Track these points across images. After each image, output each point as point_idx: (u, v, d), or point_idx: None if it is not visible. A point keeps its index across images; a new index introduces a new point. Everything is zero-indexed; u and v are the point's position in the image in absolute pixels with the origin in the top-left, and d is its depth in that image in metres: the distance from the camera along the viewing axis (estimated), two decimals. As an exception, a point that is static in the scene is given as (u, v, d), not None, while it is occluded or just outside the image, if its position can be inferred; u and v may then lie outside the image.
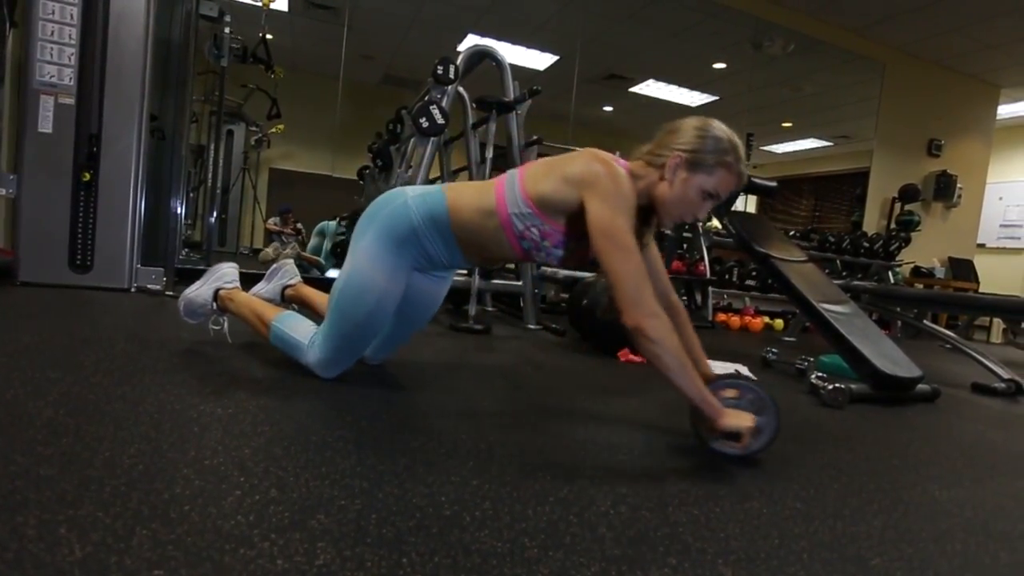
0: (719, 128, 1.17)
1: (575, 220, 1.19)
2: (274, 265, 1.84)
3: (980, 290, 5.97)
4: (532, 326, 2.79)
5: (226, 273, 1.59)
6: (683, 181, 1.17)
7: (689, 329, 1.33)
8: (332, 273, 4.26)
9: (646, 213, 1.26)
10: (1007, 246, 7.30)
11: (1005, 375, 2.43)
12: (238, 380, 1.31)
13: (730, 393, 1.18)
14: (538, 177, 1.22)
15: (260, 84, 4.69)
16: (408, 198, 1.31)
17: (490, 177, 2.89)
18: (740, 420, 1.10)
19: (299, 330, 1.42)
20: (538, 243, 1.24)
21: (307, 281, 1.85)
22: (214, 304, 1.55)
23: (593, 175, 1.14)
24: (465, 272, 3.16)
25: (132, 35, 2.44)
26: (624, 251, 1.10)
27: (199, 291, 1.57)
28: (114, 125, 2.45)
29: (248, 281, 1.87)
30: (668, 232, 4.05)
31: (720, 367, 2.25)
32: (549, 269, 3.20)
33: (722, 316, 4.06)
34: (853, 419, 1.64)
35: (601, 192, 1.13)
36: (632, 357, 2.19)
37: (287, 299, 1.78)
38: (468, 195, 1.29)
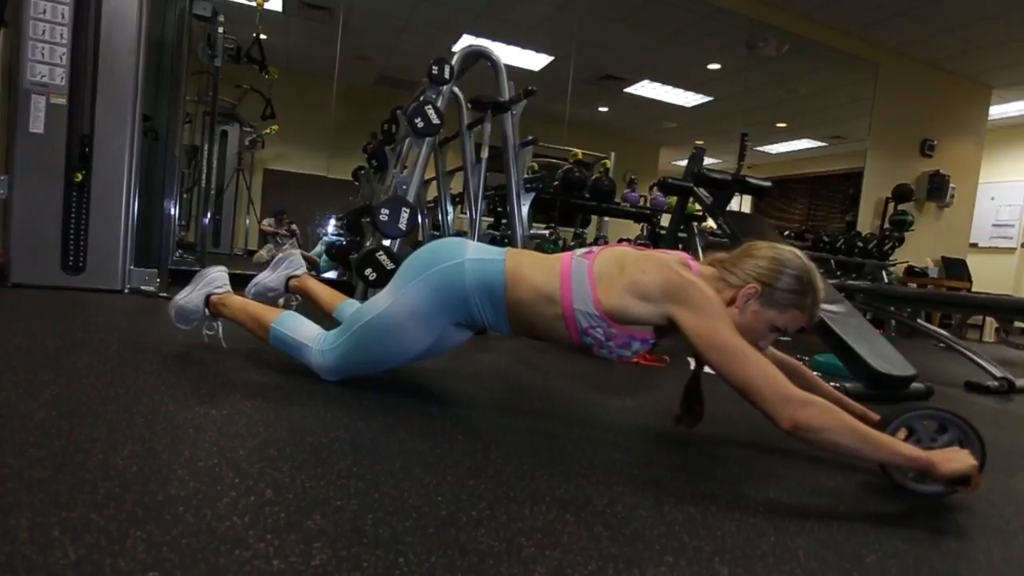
0: (799, 267, 1.12)
1: (659, 328, 1.14)
2: (280, 254, 1.84)
3: (973, 289, 6.01)
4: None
5: (216, 278, 1.56)
6: (754, 313, 1.12)
7: (815, 379, 1.28)
8: (329, 274, 4.25)
9: None
10: (999, 246, 7.36)
11: (998, 373, 2.45)
12: (232, 382, 1.30)
13: (928, 424, 1.07)
14: (611, 284, 1.13)
15: (254, 85, 4.67)
16: (466, 260, 1.23)
17: (485, 177, 2.91)
18: (961, 462, 0.95)
19: (301, 331, 1.39)
20: (602, 342, 1.17)
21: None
22: (206, 310, 1.53)
23: (676, 288, 1.07)
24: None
25: (125, 35, 2.43)
26: (741, 355, 1.01)
27: (189, 297, 1.53)
28: (107, 125, 2.44)
29: (241, 284, 1.86)
30: (662, 232, 4.06)
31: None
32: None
33: (717, 316, 4.07)
34: (848, 418, 1.65)
35: (692, 305, 1.06)
36: (628, 357, 2.19)
37: (291, 289, 1.78)
38: (530, 271, 1.21)
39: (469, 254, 1.24)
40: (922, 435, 1.06)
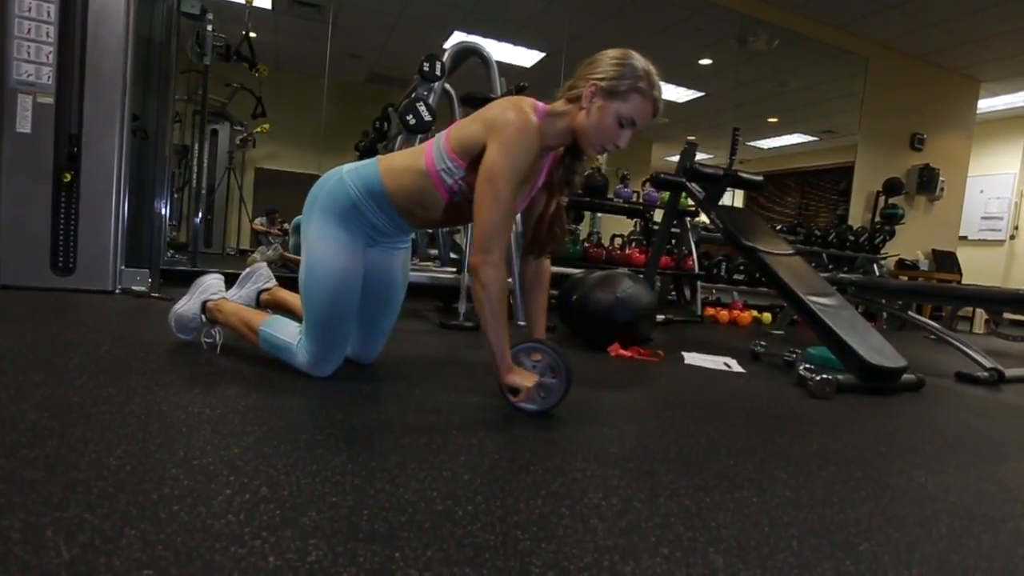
0: (635, 57, 1.22)
1: (478, 164, 1.22)
2: (247, 270, 1.76)
3: (963, 281, 6.07)
4: (522, 323, 2.79)
5: (211, 284, 1.57)
6: (599, 109, 1.21)
7: (541, 295, 1.42)
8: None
9: (576, 151, 1.30)
10: (988, 238, 7.43)
11: (988, 364, 2.47)
12: (226, 380, 1.30)
13: (536, 356, 1.30)
14: (461, 126, 1.26)
15: (244, 83, 4.63)
16: (343, 174, 1.34)
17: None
18: (521, 379, 1.23)
19: (286, 332, 1.42)
20: (468, 195, 1.26)
21: (293, 281, 1.82)
22: (203, 317, 1.54)
23: (502, 121, 1.18)
24: (454, 270, 3.16)
25: (112, 32, 2.40)
26: (496, 199, 1.16)
27: (187, 306, 1.56)
28: (95, 125, 2.41)
29: (234, 283, 1.85)
30: (655, 227, 4.07)
31: (709, 361, 2.27)
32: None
33: (711, 310, 4.09)
34: (840, 409, 1.66)
35: (501, 138, 1.17)
36: (622, 352, 2.20)
37: (263, 304, 1.71)
38: (399, 160, 1.33)
39: (345, 169, 1.36)
40: (524, 362, 1.30)
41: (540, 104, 1.26)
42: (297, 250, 4.73)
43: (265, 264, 1.82)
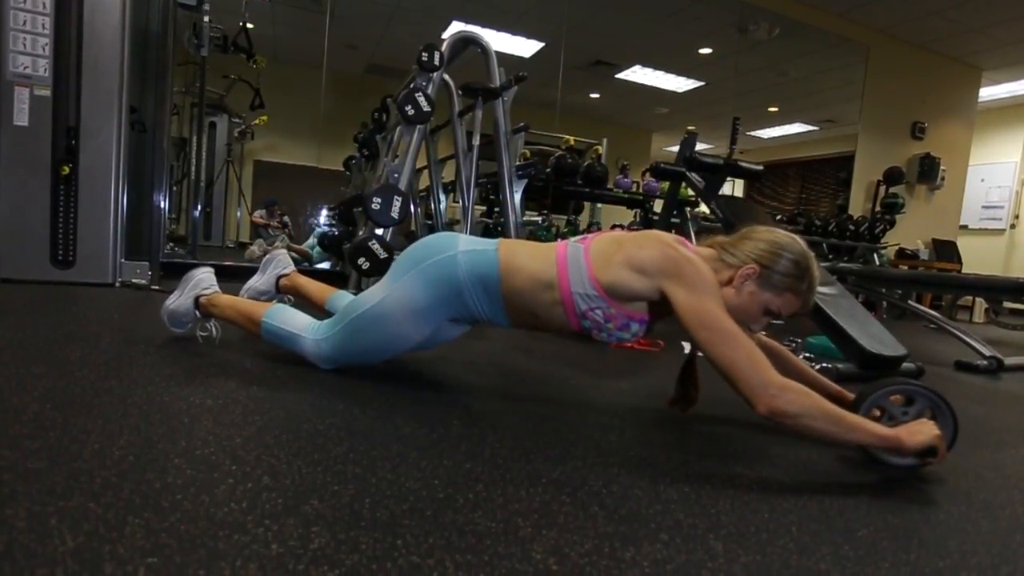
0: (797, 251, 1.12)
1: (653, 307, 1.15)
2: (267, 256, 1.83)
3: (963, 271, 6.07)
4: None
5: (202, 279, 1.55)
6: (750, 294, 1.12)
7: (796, 362, 1.30)
8: (322, 265, 4.24)
9: None
10: (989, 227, 7.42)
11: (987, 352, 2.48)
12: (227, 371, 1.30)
13: (898, 399, 1.10)
14: (608, 261, 1.14)
15: (242, 75, 4.61)
16: (459, 253, 1.22)
17: (477, 165, 2.89)
18: (927, 435, 0.99)
19: (292, 322, 1.40)
20: (601, 324, 1.17)
21: (303, 272, 1.83)
22: (197, 312, 1.54)
23: (671, 264, 1.08)
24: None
25: (108, 24, 2.39)
26: (728, 338, 1.02)
27: (179, 301, 1.54)
28: (93, 117, 2.40)
29: (234, 276, 1.85)
30: (655, 218, 4.06)
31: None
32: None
33: (711, 301, 4.09)
34: (840, 398, 1.67)
35: (686, 281, 1.07)
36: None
37: (282, 289, 1.77)
38: (524, 259, 1.21)
39: (462, 246, 1.24)
40: (893, 411, 1.10)
41: (690, 244, 1.18)
42: (312, 247, 4.71)
43: (285, 250, 1.85)
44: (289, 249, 3.70)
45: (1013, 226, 7.26)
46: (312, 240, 4.78)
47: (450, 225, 3.95)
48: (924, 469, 1.06)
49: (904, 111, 6.14)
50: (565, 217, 4.83)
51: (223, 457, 0.83)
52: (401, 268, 1.27)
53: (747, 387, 0.99)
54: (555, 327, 1.23)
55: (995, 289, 2.99)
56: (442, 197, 4.00)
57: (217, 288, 1.56)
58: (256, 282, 1.78)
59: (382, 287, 1.28)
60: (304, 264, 4.19)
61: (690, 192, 4.01)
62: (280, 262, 1.80)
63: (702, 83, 6.14)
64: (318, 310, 1.64)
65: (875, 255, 5.32)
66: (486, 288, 1.22)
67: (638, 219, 4.94)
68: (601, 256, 1.16)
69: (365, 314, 1.27)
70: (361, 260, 2.22)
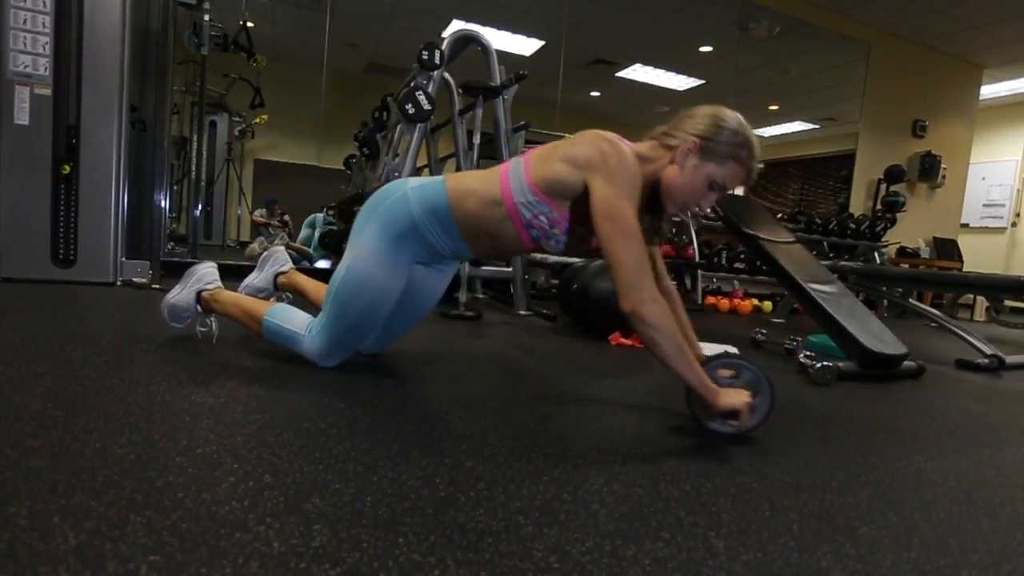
0: (736, 120, 1.15)
1: (582, 205, 1.16)
2: (265, 253, 1.82)
3: (963, 269, 6.06)
4: (523, 312, 2.79)
5: (205, 274, 1.55)
6: (693, 168, 1.15)
7: (682, 313, 1.33)
8: (321, 263, 4.24)
9: (652, 200, 1.23)
10: (989, 226, 7.42)
11: (988, 351, 2.48)
12: (228, 370, 1.30)
13: (726, 373, 1.20)
14: (543, 161, 1.19)
15: (242, 73, 4.61)
16: (408, 190, 1.28)
17: (477, 164, 2.89)
18: (737, 399, 1.11)
19: (293, 321, 1.40)
20: (547, 231, 1.21)
21: (300, 271, 1.83)
22: (198, 307, 1.53)
23: (599, 155, 1.11)
24: (455, 260, 3.14)
25: (109, 23, 2.39)
26: (626, 235, 1.07)
27: (180, 295, 1.54)
28: (93, 116, 2.40)
29: (234, 274, 1.86)
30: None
31: (709, 348, 2.27)
32: (539, 255, 3.20)
33: (711, 299, 4.10)
34: (841, 396, 1.67)
35: (606, 172, 1.10)
36: (623, 341, 2.20)
37: (280, 287, 1.77)
38: (471, 184, 1.26)
39: (411, 185, 1.30)
40: (721, 382, 1.18)
41: (627, 142, 1.20)
42: (306, 242, 4.74)
43: (283, 248, 1.85)
44: (288, 247, 3.70)
45: (1014, 224, 7.26)
46: (306, 231, 4.78)
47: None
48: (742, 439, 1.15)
49: (905, 109, 6.13)
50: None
51: (224, 455, 0.83)
52: (359, 224, 1.32)
53: (624, 283, 1.07)
54: (512, 246, 1.28)
55: (996, 287, 2.99)
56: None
57: (220, 284, 1.56)
58: (254, 279, 1.78)
59: (348, 251, 1.32)
60: (304, 263, 4.19)
61: (691, 190, 4.01)
62: (278, 259, 1.80)
63: (703, 81, 6.13)
64: (316, 308, 1.64)
65: (876, 253, 5.31)
66: (439, 217, 1.26)
67: (639, 218, 4.93)
68: (537, 159, 1.21)
69: (342, 283, 1.30)
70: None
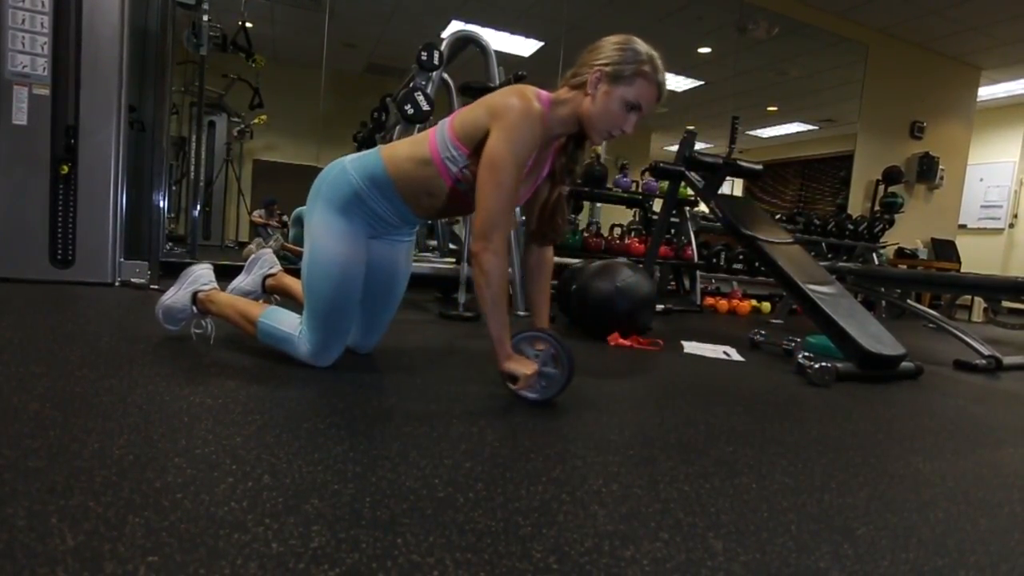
0: (637, 42, 1.21)
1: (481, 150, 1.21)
2: (252, 256, 1.83)
3: (961, 270, 6.07)
4: (522, 313, 2.79)
5: (201, 275, 1.55)
6: (604, 94, 1.20)
7: (544, 284, 1.43)
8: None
9: (579, 140, 1.30)
10: (987, 227, 7.43)
11: (986, 352, 2.48)
12: (227, 371, 1.30)
13: (540, 345, 1.30)
14: (464, 112, 1.26)
15: (241, 74, 4.61)
16: (345, 163, 1.34)
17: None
18: (520, 367, 1.23)
19: (286, 322, 1.41)
20: (472, 184, 1.25)
21: (293, 272, 1.83)
22: (194, 308, 1.53)
23: (505, 107, 1.17)
24: (454, 260, 3.16)
25: (107, 23, 2.39)
26: (498, 186, 1.15)
27: (176, 296, 1.54)
28: (92, 116, 2.40)
29: (233, 275, 1.85)
30: (655, 217, 4.06)
31: (708, 350, 2.27)
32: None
33: (710, 300, 4.10)
34: (839, 397, 1.67)
35: (505, 125, 1.16)
36: (621, 341, 2.21)
37: (268, 289, 1.77)
38: (403, 149, 1.33)
39: (348, 159, 1.36)
40: (527, 352, 1.30)
41: (544, 92, 1.25)
42: (297, 241, 4.74)
43: (271, 250, 1.85)
44: (284, 248, 3.69)
45: (1012, 225, 7.27)
46: (295, 229, 4.76)
47: (449, 226, 3.95)
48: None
49: (903, 110, 6.14)
50: (564, 216, 4.83)
51: (223, 456, 0.83)
52: (309, 208, 1.36)
53: (480, 228, 1.17)
54: (449, 204, 1.34)
55: (994, 288, 2.99)
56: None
57: (216, 285, 1.56)
58: (241, 282, 1.77)
59: (305, 238, 1.36)
60: (299, 263, 4.18)
61: (689, 191, 4.01)
62: (266, 262, 1.80)
63: (701, 82, 6.13)
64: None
65: (874, 254, 5.32)
66: (377, 184, 1.31)
67: (637, 218, 4.94)
68: (461, 113, 1.27)
69: (308, 266, 1.34)
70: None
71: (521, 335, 1.31)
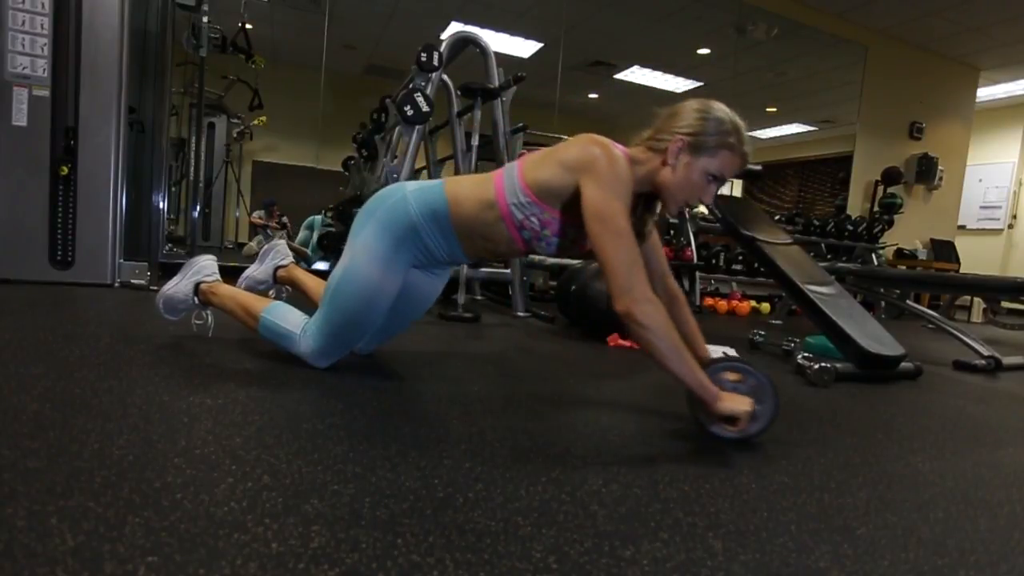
0: (720, 109, 1.16)
1: (573, 207, 1.16)
2: (266, 245, 1.84)
3: (961, 270, 6.07)
4: (521, 314, 2.80)
5: (205, 266, 1.55)
6: (686, 165, 1.15)
7: (687, 315, 1.32)
8: (319, 265, 4.24)
9: (648, 200, 1.26)
10: (986, 227, 7.43)
11: (985, 352, 2.48)
12: (227, 371, 1.30)
13: (732, 376, 1.17)
14: (536, 165, 1.21)
15: (241, 75, 4.61)
16: (407, 192, 1.29)
17: (476, 166, 2.89)
18: (737, 404, 1.09)
19: (289, 320, 1.40)
20: (538, 232, 1.22)
21: None
22: (195, 299, 1.52)
23: (590, 158, 1.12)
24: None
25: (107, 24, 2.39)
26: (617, 235, 1.08)
27: (178, 287, 1.53)
28: (92, 118, 2.40)
29: (233, 275, 1.85)
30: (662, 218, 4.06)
31: (708, 350, 2.27)
32: (537, 256, 3.20)
33: (709, 301, 4.10)
34: (839, 397, 1.67)
35: (597, 175, 1.11)
36: (621, 342, 2.21)
37: (279, 280, 1.78)
38: (467, 188, 1.28)
39: (410, 188, 1.31)
40: (725, 386, 1.15)
41: (619, 146, 1.20)
42: (304, 243, 4.75)
43: (284, 242, 1.86)
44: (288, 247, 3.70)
45: (1011, 226, 7.28)
46: (304, 232, 4.78)
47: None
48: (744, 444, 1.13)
49: (902, 111, 6.15)
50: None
51: (223, 456, 0.83)
52: (358, 225, 1.32)
53: (616, 285, 1.07)
54: (505, 248, 1.29)
55: (993, 289, 2.99)
56: (441, 197, 4.00)
57: (219, 277, 1.56)
58: (254, 271, 1.79)
59: (346, 252, 1.32)
60: (302, 264, 4.19)
61: (689, 192, 4.01)
62: (279, 252, 1.81)
63: (700, 83, 6.14)
64: (313, 305, 1.64)
65: (873, 255, 5.32)
66: (437, 221, 1.27)
67: (637, 219, 4.94)
68: (531, 163, 1.22)
69: (339, 282, 1.30)
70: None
71: (711, 369, 1.16)
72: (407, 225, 1.27)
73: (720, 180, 1.18)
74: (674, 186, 1.17)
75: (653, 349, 1.05)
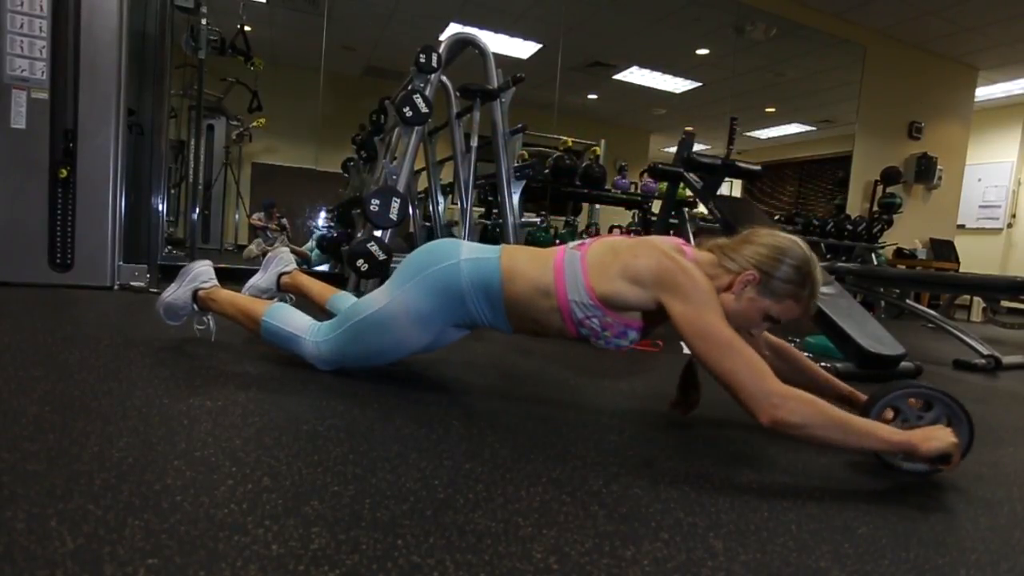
0: (798, 255, 1.08)
1: (649, 315, 1.14)
2: (270, 254, 1.83)
3: (960, 270, 6.08)
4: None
5: (201, 272, 1.54)
6: (750, 300, 1.10)
7: (803, 361, 1.27)
8: (320, 267, 4.24)
9: None
10: (986, 227, 7.44)
11: (985, 351, 2.48)
12: (226, 374, 1.30)
13: (916, 403, 1.07)
14: (604, 274, 1.13)
15: (240, 77, 4.61)
16: (461, 260, 1.23)
17: (475, 167, 2.90)
18: (942, 440, 0.94)
19: (292, 323, 1.39)
20: (598, 332, 1.17)
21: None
22: (194, 306, 1.53)
23: (666, 275, 1.07)
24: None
25: (106, 26, 2.39)
26: (727, 348, 0.99)
27: (176, 294, 1.53)
28: (90, 120, 2.40)
29: (232, 277, 1.85)
30: (654, 218, 4.07)
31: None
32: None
33: (709, 301, 4.09)
34: (839, 397, 1.67)
35: (680, 293, 1.05)
36: (621, 342, 2.20)
37: (283, 287, 1.77)
38: (524, 264, 1.21)
39: (464, 254, 1.24)
40: (908, 414, 1.07)
41: (688, 249, 1.15)
42: (310, 250, 4.72)
43: (287, 250, 1.86)
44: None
45: (1010, 225, 7.28)
46: (312, 243, 4.79)
47: (448, 227, 3.96)
48: (931, 476, 1.04)
49: (901, 111, 6.15)
50: (563, 218, 4.84)
51: (223, 459, 0.83)
52: (404, 275, 1.27)
53: (748, 397, 0.97)
54: (555, 333, 1.23)
55: (993, 288, 2.99)
56: (440, 199, 4.01)
57: (216, 282, 1.55)
58: (258, 280, 1.78)
59: (385, 292, 1.28)
60: (303, 266, 4.19)
61: (688, 192, 4.02)
62: (282, 260, 1.80)
63: (699, 84, 6.15)
64: (319, 310, 1.64)
65: (873, 255, 5.32)
66: (488, 295, 1.22)
67: (636, 220, 4.95)
68: (597, 265, 1.15)
69: (367, 319, 1.27)
70: (360, 262, 2.23)
71: (891, 397, 1.07)
72: (455, 294, 1.22)
73: (776, 322, 1.13)
74: (731, 314, 1.09)
75: (823, 440, 0.95)
